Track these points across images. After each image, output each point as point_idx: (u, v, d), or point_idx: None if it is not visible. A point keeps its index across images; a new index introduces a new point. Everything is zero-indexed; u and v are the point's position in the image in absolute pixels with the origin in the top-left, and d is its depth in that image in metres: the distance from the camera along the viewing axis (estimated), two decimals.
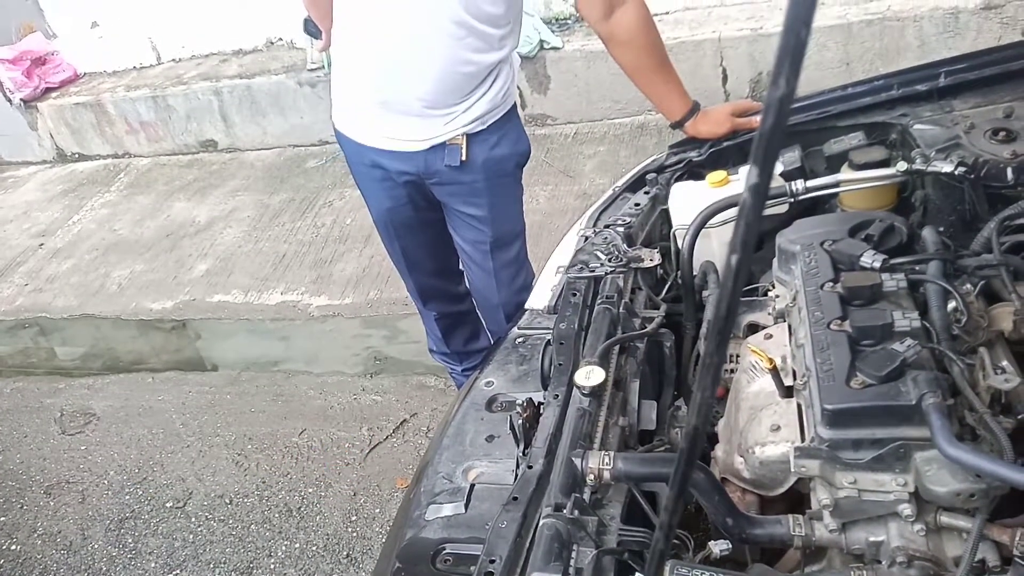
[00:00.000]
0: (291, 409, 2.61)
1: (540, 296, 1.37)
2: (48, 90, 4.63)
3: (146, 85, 4.44)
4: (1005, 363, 0.86)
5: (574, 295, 1.26)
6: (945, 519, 0.78)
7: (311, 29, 1.72)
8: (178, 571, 2.14)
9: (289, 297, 3.09)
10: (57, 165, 4.77)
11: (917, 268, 1.00)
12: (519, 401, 1.10)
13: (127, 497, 2.41)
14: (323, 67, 3.90)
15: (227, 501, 2.30)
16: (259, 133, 4.29)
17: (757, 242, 1.47)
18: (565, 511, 0.86)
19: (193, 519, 2.27)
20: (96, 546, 2.27)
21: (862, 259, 1.01)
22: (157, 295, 3.30)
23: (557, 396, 1.07)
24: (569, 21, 3.86)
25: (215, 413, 2.67)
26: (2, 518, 2.44)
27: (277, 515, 2.22)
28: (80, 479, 2.52)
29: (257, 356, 2.95)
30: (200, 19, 4.40)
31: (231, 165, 4.26)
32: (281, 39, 4.42)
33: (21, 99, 4.52)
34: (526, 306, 1.39)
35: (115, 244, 3.76)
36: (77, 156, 4.74)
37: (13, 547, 2.34)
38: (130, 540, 2.26)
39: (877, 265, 0.99)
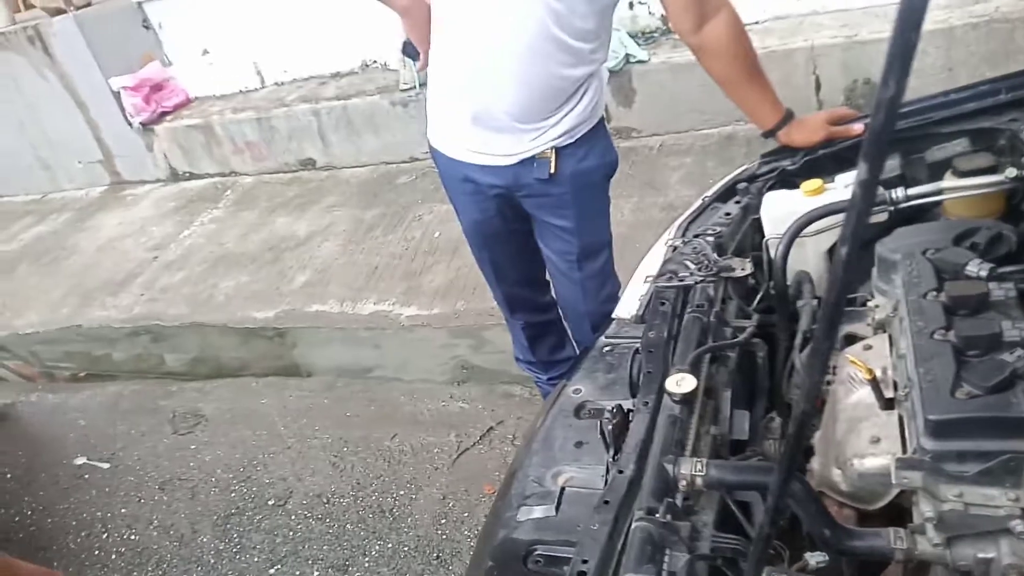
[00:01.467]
0: (383, 414, 2.70)
1: (627, 306, 1.38)
2: (163, 114, 4.99)
3: (251, 108, 4.71)
4: None
5: (663, 304, 1.26)
6: None
7: (410, 51, 1.80)
8: (279, 566, 2.25)
9: (381, 307, 3.20)
10: (170, 183, 5.12)
11: None
12: (608, 408, 1.11)
13: (233, 494, 2.56)
14: (414, 87, 4.05)
15: (324, 500, 2.41)
16: (354, 151, 4.48)
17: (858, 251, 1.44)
18: (658, 515, 0.87)
19: (293, 517, 2.39)
20: (204, 540, 2.42)
21: (968, 268, 0.98)
22: (260, 305, 3.48)
23: (647, 403, 1.07)
24: (655, 34, 3.86)
25: (313, 416, 2.80)
26: (123, 509, 2.64)
27: (371, 515, 2.31)
28: (190, 476, 2.69)
29: (351, 363, 3.07)
30: (300, 45, 4.65)
31: (328, 182, 4.46)
32: (375, 62, 4.61)
33: (140, 122, 4.89)
34: (613, 315, 1.40)
35: (222, 257, 4.00)
36: (188, 175, 5.07)
37: (132, 537, 2.52)
38: (235, 535, 2.40)
39: (984, 274, 0.96)
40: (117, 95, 4.79)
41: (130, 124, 4.91)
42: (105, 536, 2.54)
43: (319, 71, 4.78)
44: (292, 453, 2.64)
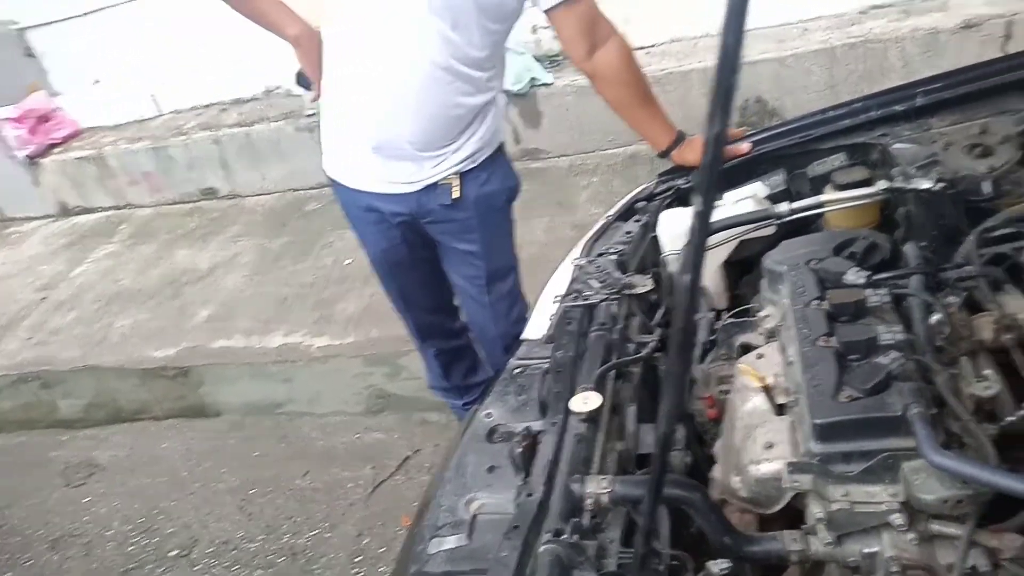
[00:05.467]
0: (295, 451, 2.61)
1: (537, 326, 1.39)
2: (52, 146, 4.72)
3: (147, 137, 4.53)
4: (987, 371, 0.87)
5: (569, 323, 1.28)
6: (936, 527, 0.79)
7: (303, 81, 1.77)
8: None
9: (291, 339, 3.10)
10: (60, 219, 4.83)
11: (900, 283, 1.02)
12: (518, 431, 1.11)
13: (131, 548, 2.40)
14: (318, 113, 3.99)
15: (232, 547, 2.29)
16: (259, 179, 4.36)
17: (747, 264, 1.50)
18: (564, 536, 0.87)
19: (198, 567, 2.26)
20: None
21: (847, 276, 1.03)
22: (160, 343, 3.31)
23: (555, 424, 1.08)
24: (559, 58, 3.94)
25: (219, 459, 2.67)
26: (9, 574, 2.43)
27: (282, 559, 2.21)
28: (85, 531, 2.51)
29: (260, 399, 2.95)
30: (199, 71, 4.50)
31: (232, 211, 4.31)
32: (279, 87, 4.51)
33: (26, 155, 4.61)
34: (523, 337, 1.41)
35: (118, 294, 3.79)
36: (80, 209, 4.80)
37: None
38: None
39: (861, 281, 1.01)
40: None
41: (13, 158, 4.62)
42: None
43: (219, 98, 4.64)
44: (196, 499, 2.51)
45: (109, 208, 4.73)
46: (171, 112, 4.77)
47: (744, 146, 1.55)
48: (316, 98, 1.74)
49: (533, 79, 3.76)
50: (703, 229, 0.41)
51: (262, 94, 4.57)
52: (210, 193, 4.49)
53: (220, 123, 4.40)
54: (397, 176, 1.65)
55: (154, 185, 4.56)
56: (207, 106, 4.68)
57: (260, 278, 3.59)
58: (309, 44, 1.68)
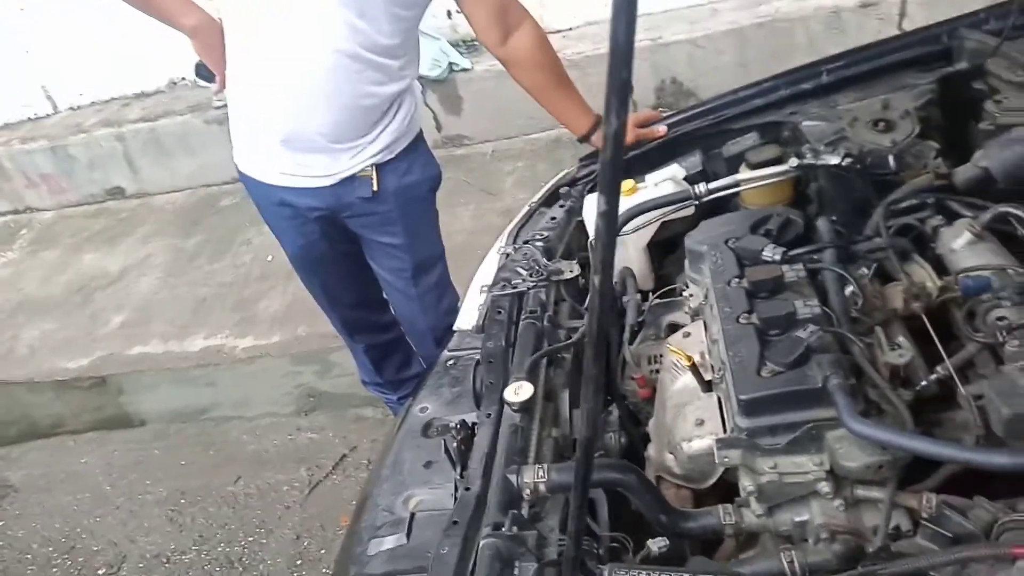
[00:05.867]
0: (224, 457, 2.52)
1: (468, 317, 1.38)
2: None
3: (43, 136, 4.25)
4: (901, 339, 0.92)
5: (499, 313, 1.27)
6: (860, 492, 0.83)
7: (204, 73, 1.69)
8: None
9: (213, 342, 2.99)
10: None
11: (815, 257, 1.06)
12: (453, 424, 1.10)
13: (54, 570, 2.27)
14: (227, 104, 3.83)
15: (164, 560, 2.20)
16: (168, 175, 4.16)
17: (671, 244, 1.53)
18: (504, 528, 0.87)
19: None
20: None
21: (763, 253, 1.06)
22: (72, 353, 3.14)
23: (490, 415, 1.07)
24: (476, 43, 3.91)
25: (144, 470, 2.56)
26: None
27: (218, 569, 2.14)
28: (0, 556, 2.37)
29: (184, 406, 2.84)
30: (97, 64, 4.24)
31: (140, 211, 4.11)
32: (184, 79, 4.30)
33: None
34: (454, 328, 1.40)
35: (21, 304, 3.57)
36: None
37: None
38: None
39: (778, 258, 1.04)
40: None
41: None
42: None
43: (121, 92, 4.38)
44: (122, 514, 2.40)
45: (7, 213, 4.43)
46: (68, 109, 4.48)
47: (661, 128, 1.57)
48: (219, 90, 1.67)
49: (452, 64, 3.71)
50: (611, 229, 0.41)
51: (166, 87, 4.35)
52: (116, 193, 4.26)
53: (123, 119, 4.17)
54: (310, 170, 1.60)
55: (54, 187, 4.29)
56: (107, 101, 4.42)
57: (175, 280, 3.44)
58: (208, 34, 1.60)
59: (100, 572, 2.23)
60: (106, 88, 4.38)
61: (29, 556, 2.34)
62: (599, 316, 0.43)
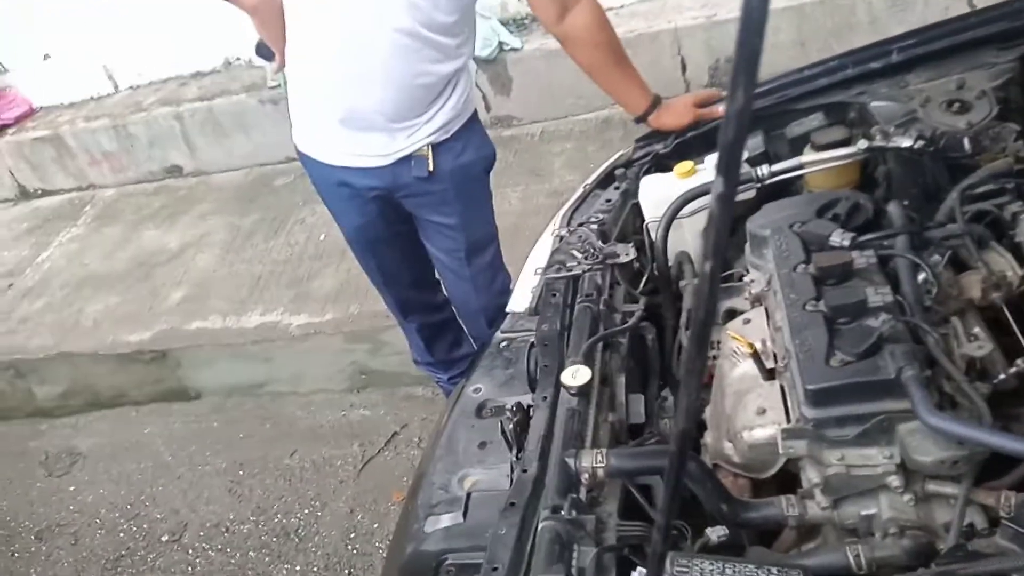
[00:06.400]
0: (280, 431, 2.59)
1: (520, 299, 1.38)
2: (4, 127, 4.55)
3: (105, 115, 4.37)
4: (977, 330, 0.88)
5: (554, 296, 1.27)
6: (932, 487, 0.80)
7: (264, 52, 1.71)
8: None
9: (268, 318, 3.06)
10: (20, 202, 4.67)
11: (886, 243, 1.02)
12: (508, 406, 1.10)
13: (121, 535, 2.38)
14: (281, 85, 3.87)
15: (223, 529, 2.28)
16: (224, 155, 4.24)
17: (730, 228, 1.49)
18: (563, 512, 0.87)
19: (190, 551, 2.25)
20: None
21: (831, 239, 1.03)
22: (134, 327, 3.24)
23: (546, 398, 1.07)
24: (526, 21, 3.86)
25: (203, 442, 2.64)
26: None
27: (275, 539, 2.21)
28: (71, 520, 2.48)
29: (241, 380, 2.92)
30: (155, 44, 4.34)
31: (198, 189, 4.21)
32: (239, 59, 4.37)
33: None
34: (507, 309, 1.40)
35: (86, 279, 3.70)
36: (40, 192, 4.65)
37: None
38: None
39: (847, 243, 1.01)
40: None
41: None
42: None
43: (178, 71, 4.48)
44: (183, 483, 2.49)
45: (71, 190, 4.58)
46: (128, 88, 4.60)
47: (721, 108, 1.53)
48: (279, 69, 1.68)
49: (502, 43, 3.68)
50: (726, 213, 0.40)
51: (222, 66, 4.42)
52: (175, 171, 4.37)
53: (180, 98, 4.26)
54: (368, 149, 1.61)
55: (116, 165, 4.42)
56: (165, 80, 4.52)
57: (232, 257, 3.52)
58: (268, 13, 1.62)
59: (163, 539, 2.32)
60: (164, 67, 4.48)
61: (97, 521, 2.46)
62: (707, 304, 0.42)
